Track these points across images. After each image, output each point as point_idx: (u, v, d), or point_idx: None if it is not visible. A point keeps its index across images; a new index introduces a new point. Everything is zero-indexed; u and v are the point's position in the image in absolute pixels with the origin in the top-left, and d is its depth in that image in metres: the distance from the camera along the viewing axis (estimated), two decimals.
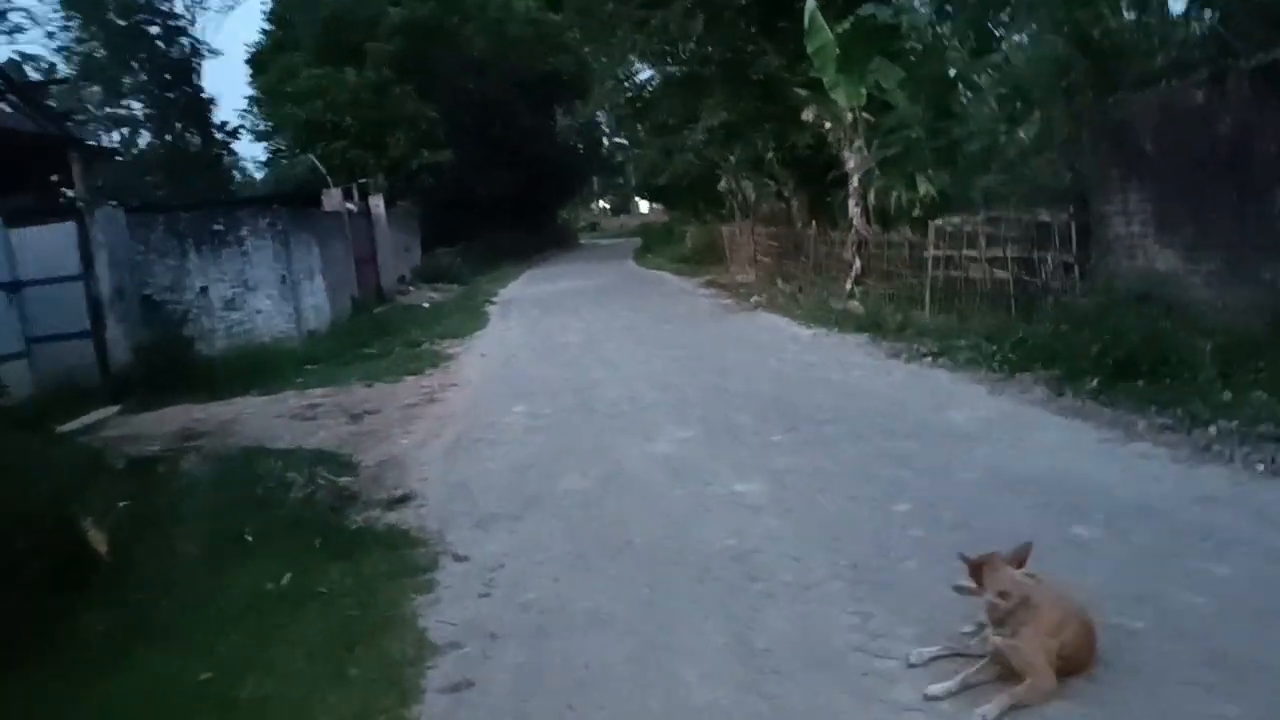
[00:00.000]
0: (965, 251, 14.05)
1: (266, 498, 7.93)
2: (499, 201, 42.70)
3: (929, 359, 11.18)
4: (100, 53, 44.60)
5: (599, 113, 58.06)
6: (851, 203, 17.41)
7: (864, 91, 16.86)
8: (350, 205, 24.37)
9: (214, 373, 14.23)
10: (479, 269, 36.30)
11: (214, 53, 46.39)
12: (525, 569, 5.79)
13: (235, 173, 48.04)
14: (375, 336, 19.34)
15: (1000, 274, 13.19)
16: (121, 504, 8.14)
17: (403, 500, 7.60)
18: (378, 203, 26.93)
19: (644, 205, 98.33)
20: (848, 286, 17.58)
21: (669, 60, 22.83)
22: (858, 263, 17.42)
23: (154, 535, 7.14)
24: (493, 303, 24.86)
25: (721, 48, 20.59)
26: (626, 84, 24.40)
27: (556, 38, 39.07)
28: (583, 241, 68.77)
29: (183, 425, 11.53)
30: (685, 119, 23.48)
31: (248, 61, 42.60)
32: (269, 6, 42.95)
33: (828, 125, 17.76)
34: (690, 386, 10.80)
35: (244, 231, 16.14)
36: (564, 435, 9.13)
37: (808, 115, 19.63)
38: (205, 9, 47.50)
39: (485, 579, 5.71)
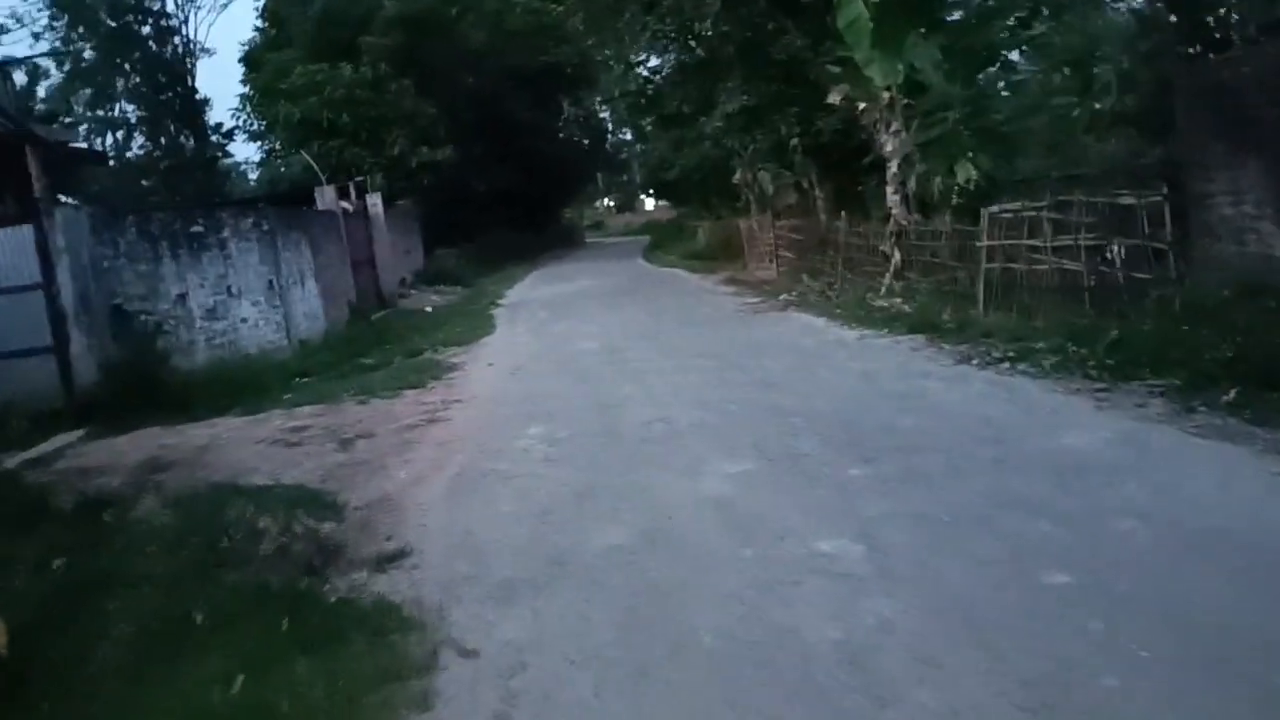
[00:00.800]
0: (1027, 240, 12.53)
1: (230, 554, 6.44)
2: (502, 200, 41.24)
3: (1005, 365, 9.65)
4: (89, 54, 43.31)
5: (603, 107, 56.82)
6: (889, 190, 15.90)
7: (901, 68, 15.37)
8: (346, 204, 22.88)
9: (192, 390, 12.72)
10: (483, 270, 34.81)
11: (207, 52, 44.92)
12: (556, 673, 4.27)
13: (231, 175, 46.67)
14: (374, 345, 17.86)
15: (1071, 265, 11.66)
16: (57, 563, 6.72)
17: (396, 557, 6.09)
18: (375, 201, 25.44)
19: (649, 203, 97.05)
20: (886, 282, 16.07)
21: (681, 43, 21.28)
22: (897, 255, 15.92)
23: (83, 614, 5.66)
24: (499, 306, 23.36)
25: (740, 27, 19.03)
26: (636, 70, 22.76)
27: (557, 29, 37.51)
28: (588, 240, 67.15)
29: (150, 454, 10.02)
30: (700, 107, 21.95)
31: (241, 60, 41.16)
32: (262, 3, 41.55)
33: (861, 107, 16.22)
34: (733, 403, 9.27)
35: (226, 233, 14.63)
36: (590, 468, 7.59)
37: (834, 97, 18.14)
38: (198, 7, 46.24)
39: (502, 689, 4.19)
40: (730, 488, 6.55)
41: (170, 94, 44.84)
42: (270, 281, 15.50)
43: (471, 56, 38.18)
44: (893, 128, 15.62)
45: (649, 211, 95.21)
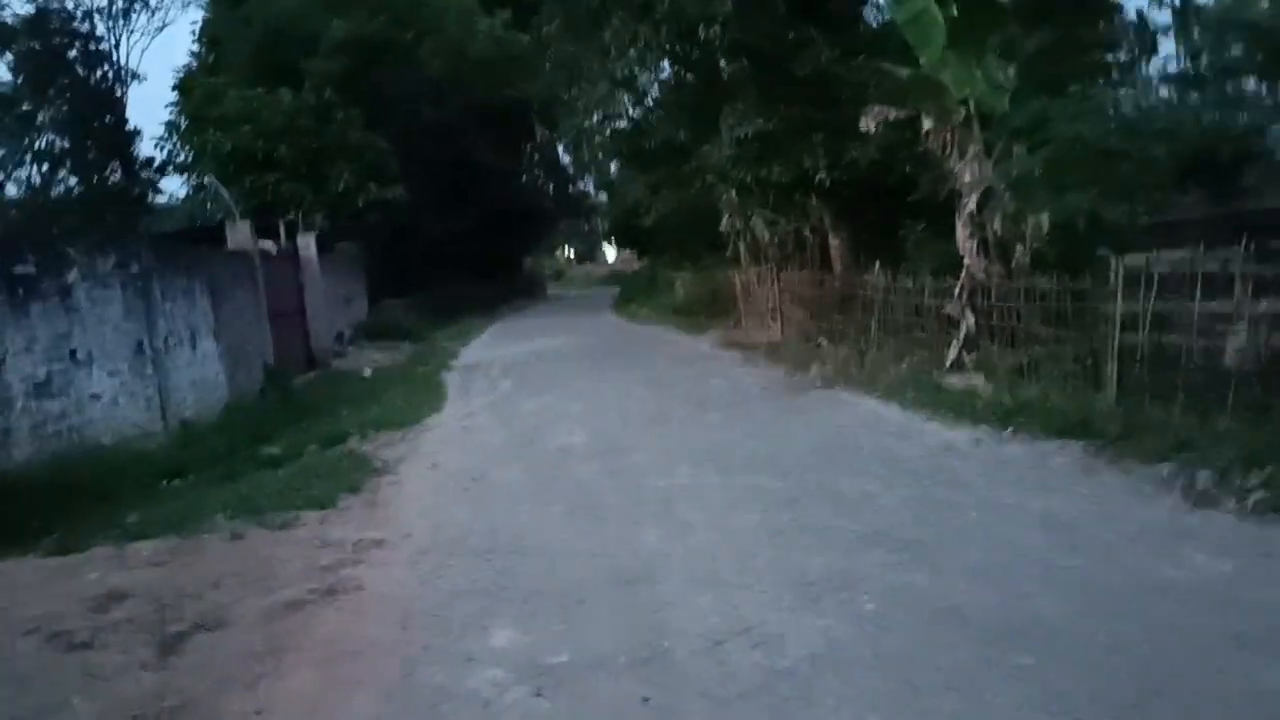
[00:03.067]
0: (1199, 305, 8.71)
1: None
2: (459, 245, 37.14)
3: (1261, 502, 5.76)
4: (6, 76, 38.88)
5: (569, 147, 53.09)
6: (962, 234, 12.06)
7: (980, 75, 11.64)
8: (267, 245, 18.68)
9: None
10: (437, 322, 30.63)
11: (136, 77, 40.56)
12: None
13: (168, 213, 42.18)
14: (286, 424, 13.64)
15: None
16: None
17: None
18: (308, 243, 21.26)
19: (611, 253, 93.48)
20: (952, 353, 12.20)
21: (680, 56, 17.40)
22: (970, 319, 12.03)
23: None
24: (451, 368, 19.18)
25: (755, 36, 15.23)
26: (620, 92, 18.68)
27: (523, 61, 33.71)
28: (550, 292, 63.07)
29: None
30: (698, 135, 18.06)
31: (175, 87, 36.83)
32: (200, 25, 37.44)
33: (925, 128, 12.41)
34: (863, 593, 5.20)
35: (71, 276, 10.40)
36: None
37: (869, 123, 14.40)
38: (131, 30, 42.00)
39: None
40: None
41: (98, 124, 40.38)
42: (140, 343, 11.29)
43: (429, 87, 34.21)
44: (970, 153, 11.81)
45: (610, 262, 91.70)
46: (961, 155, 11.97)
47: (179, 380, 12.23)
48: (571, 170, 49.65)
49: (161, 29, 49.46)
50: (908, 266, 15.13)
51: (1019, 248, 11.90)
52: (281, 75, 30.23)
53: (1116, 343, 9.46)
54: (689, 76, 17.64)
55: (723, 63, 16.82)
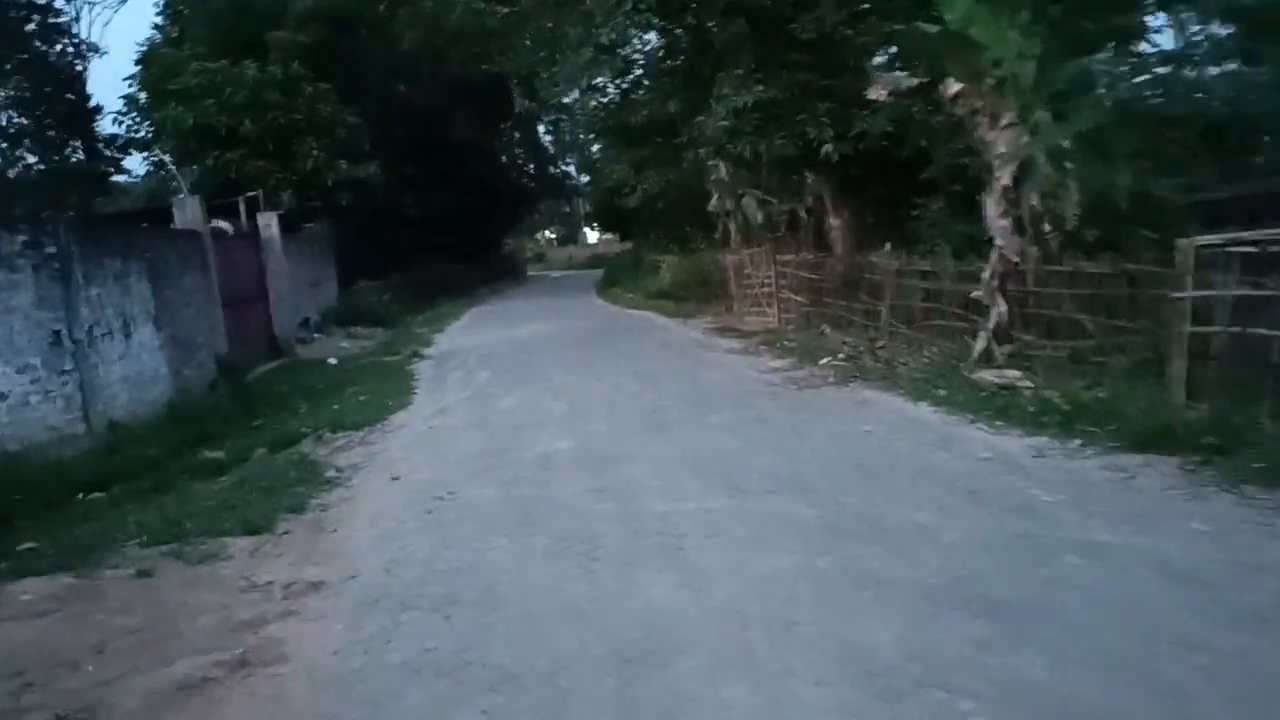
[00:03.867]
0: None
1: None
2: (436, 227, 35.57)
3: None
4: None
5: (547, 128, 51.37)
6: (994, 211, 10.63)
7: (1014, 34, 10.23)
8: (222, 224, 17.11)
9: None
10: (412, 306, 29.09)
11: (95, 50, 38.61)
12: None
13: (130, 193, 40.25)
14: (236, 423, 12.23)
15: None
16: None
17: None
18: (270, 222, 19.67)
19: (592, 235, 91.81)
20: (979, 343, 10.82)
21: (673, 18, 15.84)
22: (1001, 306, 10.64)
23: None
24: (424, 357, 17.66)
25: None
26: (603, 61, 17.01)
27: (503, 35, 32.04)
28: (531, 274, 61.37)
29: None
30: (691, 105, 16.52)
31: (138, 62, 34.93)
32: None
33: (951, 91, 10.97)
34: (926, 670, 3.79)
35: None
36: None
37: (878, 91, 13.07)
38: (92, 3, 40.02)
39: None
40: None
41: (58, 101, 38.40)
42: (58, 334, 9.75)
43: (403, 62, 32.55)
44: (1003, 121, 10.38)
45: (591, 244, 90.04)
46: (993, 123, 10.55)
47: (108, 376, 10.69)
48: (552, 150, 48.10)
49: (124, 1, 47.31)
50: (922, 247, 13.74)
51: (1046, 226, 10.53)
52: (248, 48, 28.47)
53: (1184, 336, 8.12)
54: (681, 39, 16.03)
55: (716, 25, 15.27)
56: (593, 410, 10.38)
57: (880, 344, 13.60)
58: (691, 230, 26.71)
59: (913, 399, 9.48)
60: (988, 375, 10.04)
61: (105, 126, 39.34)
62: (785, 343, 14.45)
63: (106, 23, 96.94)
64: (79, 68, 39.26)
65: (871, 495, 6.28)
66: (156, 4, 36.18)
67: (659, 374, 12.54)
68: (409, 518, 7.03)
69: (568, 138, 53.52)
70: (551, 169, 52.33)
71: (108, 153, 39.11)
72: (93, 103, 39.09)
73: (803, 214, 22.59)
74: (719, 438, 8.48)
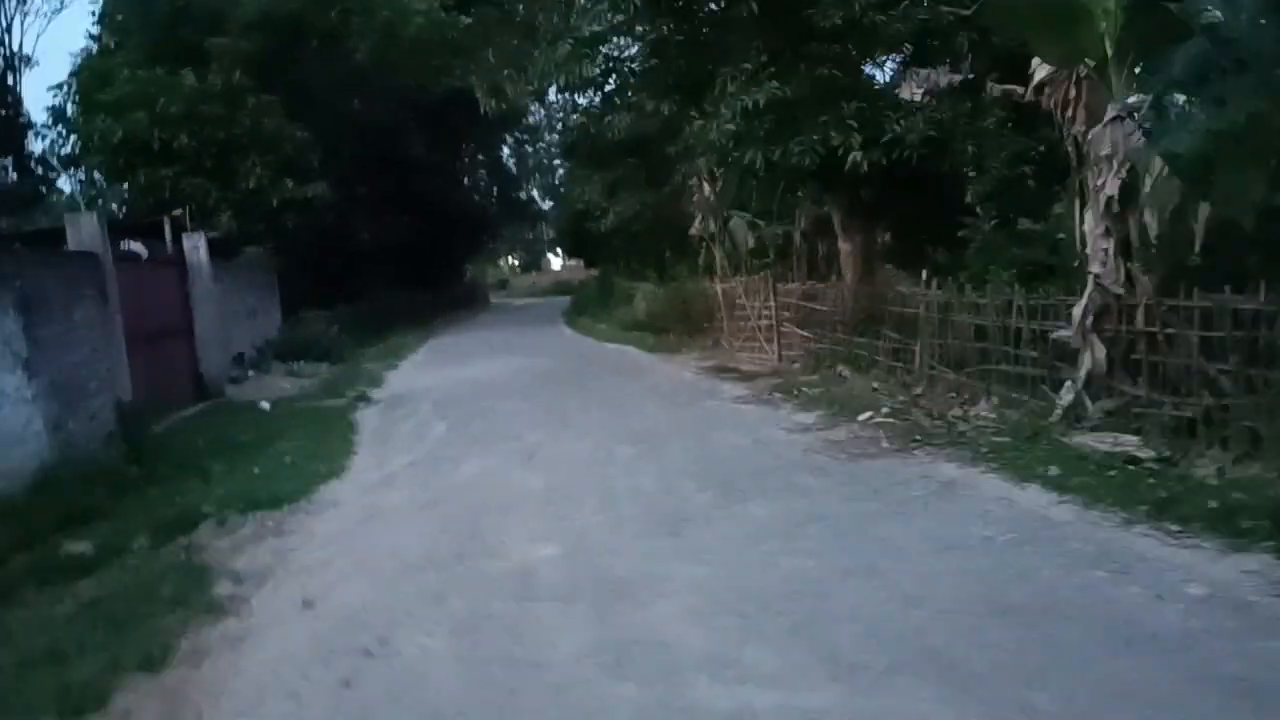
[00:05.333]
0: None
1: None
2: (391, 252, 32.85)
3: None
4: None
5: (510, 149, 48.89)
6: (1094, 230, 8.26)
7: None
8: (135, 246, 14.42)
9: None
10: (364, 338, 26.31)
11: (28, 61, 35.64)
12: None
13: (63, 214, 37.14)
14: (129, 491, 9.60)
15: None
16: None
17: None
18: (197, 244, 16.94)
19: (556, 262, 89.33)
20: (1065, 397, 8.46)
21: (663, 10, 13.35)
22: (1098, 351, 8.27)
23: None
24: (371, 401, 14.98)
25: None
26: (586, 51, 14.38)
27: (467, 48, 29.53)
28: (494, 301, 58.54)
29: None
30: (682, 107, 14.05)
31: (73, 73, 32.02)
32: (99, 3, 32.62)
33: (1039, 78, 8.64)
34: None
35: None
36: None
37: (910, 90, 10.84)
38: (25, 12, 37.06)
39: None
40: None
41: None
42: None
43: (357, 74, 29.89)
44: (1109, 114, 8.04)
45: (556, 271, 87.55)
46: (1092, 118, 8.21)
47: None
48: (515, 170, 45.60)
49: (60, 9, 44.18)
50: (966, 275, 11.39)
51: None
52: (187, 56, 25.73)
53: None
54: (675, 31, 13.55)
55: (720, 7, 12.84)
56: (580, 489, 7.82)
57: (918, 392, 11.23)
58: (669, 256, 24.27)
59: (1014, 478, 7.03)
60: (1091, 440, 7.67)
61: (37, 144, 36.43)
62: (803, 389, 11.98)
63: (40, 33, 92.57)
64: (9, 80, 36.30)
65: (1065, 685, 3.79)
66: (92, 12, 33.42)
67: (658, 432, 9.99)
68: (315, 695, 4.45)
69: (532, 161, 51.21)
70: (515, 192, 49.80)
71: (39, 171, 36.11)
72: (25, 118, 36.15)
73: (797, 238, 20.33)
74: (772, 548, 5.92)
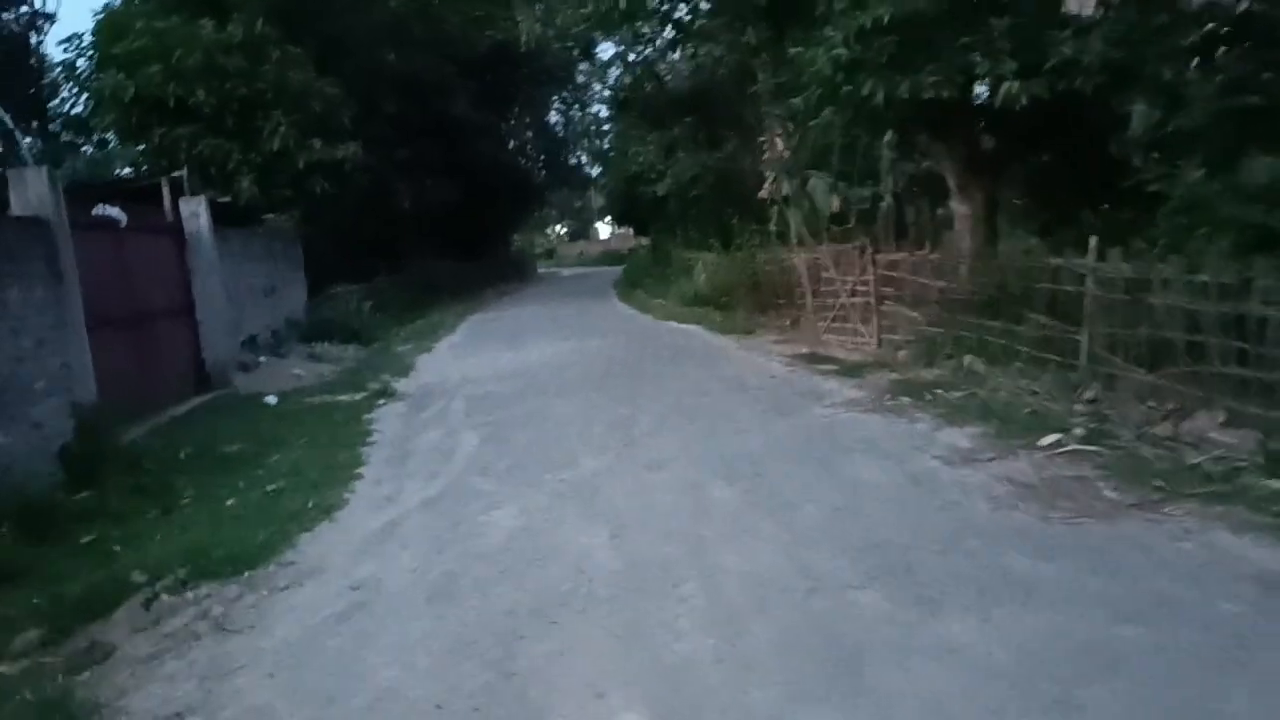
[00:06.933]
0: None
1: None
2: (433, 221, 30.37)
3: None
4: None
5: (556, 111, 45.97)
6: None
7: None
8: (110, 210, 11.92)
9: None
10: (399, 314, 23.85)
11: (51, 20, 33.36)
12: None
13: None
14: (57, 536, 7.19)
15: None
16: None
17: None
18: (197, 209, 14.43)
19: (604, 230, 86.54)
20: None
21: None
22: None
23: None
24: (394, 396, 12.40)
25: None
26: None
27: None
28: (540, 271, 55.78)
29: None
30: (775, 31, 11.19)
31: (95, 31, 29.72)
32: None
33: None
34: None
35: None
36: None
37: (1083, 4, 7.97)
38: None
39: None
40: None
41: (9, 78, 33.16)
42: None
43: (393, 25, 27.29)
44: None
45: (604, 240, 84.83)
46: None
47: None
48: (563, 132, 42.75)
49: None
50: (1164, 242, 8.52)
51: None
52: (209, 6, 23.23)
53: None
54: None
55: None
56: (665, 572, 5.10)
57: (1089, 397, 8.41)
58: (739, 222, 21.41)
59: None
60: None
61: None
62: (935, 391, 9.16)
63: None
64: (33, 39, 34.10)
65: None
66: None
67: (762, 459, 7.23)
68: None
69: (579, 126, 48.28)
70: (563, 156, 46.96)
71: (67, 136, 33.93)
72: (49, 79, 33.92)
73: (886, 200, 17.47)
74: None
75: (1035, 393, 8.69)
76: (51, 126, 33.22)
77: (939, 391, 9.09)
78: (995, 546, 5.00)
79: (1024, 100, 8.57)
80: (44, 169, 9.90)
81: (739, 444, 7.82)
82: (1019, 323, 10.07)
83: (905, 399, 9.04)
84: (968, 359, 10.48)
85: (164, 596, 5.67)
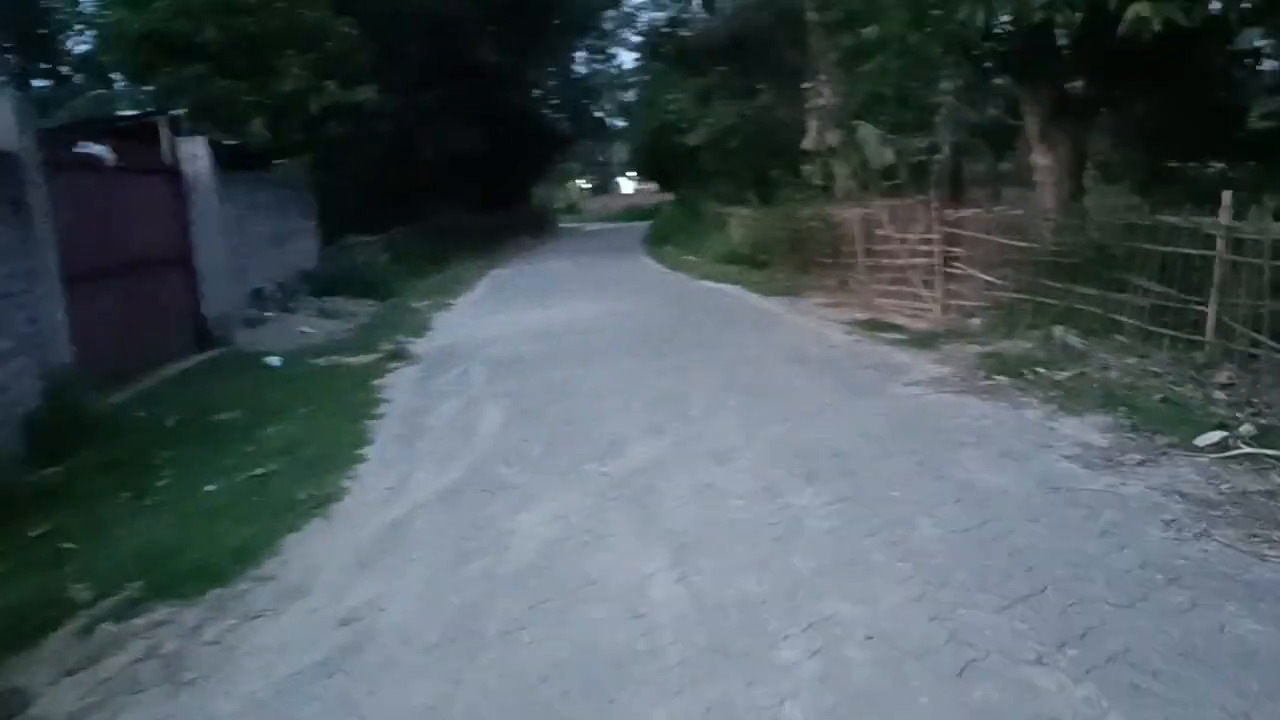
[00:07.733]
0: None
1: None
2: (455, 170, 28.93)
3: None
4: None
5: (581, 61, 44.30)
6: None
7: None
8: (94, 148, 10.63)
9: None
10: (418, 267, 22.55)
11: None
12: None
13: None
14: (5, 527, 5.98)
15: None
16: None
17: None
18: (197, 151, 13.14)
19: (627, 185, 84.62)
20: None
21: None
22: None
23: None
24: (408, 358, 11.15)
25: None
26: None
27: None
28: (563, 226, 54.15)
29: None
30: None
31: None
32: None
33: None
34: None
35: None
36: None
37: None
38: None
39: None
40: None
41: (19, 21, 31.83)
42: None
43: None
44: None
45: (627, 195, 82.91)
46: None
47: None
48: (590, 82, 41.08)
49: None
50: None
51: None
52: None
53: None
54: None
55: None
56: (761, 620, 3.83)
57: (1223, 379, 7.05)
58: (779, 174, 19.92)
59: None
60: None
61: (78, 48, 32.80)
62: (1036, 370, 7.79)
63: None
64: None
65: None
66: None
67: (851, 454, 5.85)
68: None
69: (604, 78, 46.54)
70: (588, 106, 45.26)
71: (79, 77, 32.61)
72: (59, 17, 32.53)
73: (940, 153, 16.03)
74: None
75: (1156, 374, 7.33)
76: (63, 69, 31.91)
77: (1040, 370, 7.72)
78: (1204, 598, 3.68)
79: (1157, 26, 7.11)
80: (7, 92, 8.59)
81: (815, 430, 6.49)
82: (1120, 290, 8.70)
83: (1001, 378, 7.68)
84: (1058, 330, 9.11)
85: (107, 625, 4.46)
